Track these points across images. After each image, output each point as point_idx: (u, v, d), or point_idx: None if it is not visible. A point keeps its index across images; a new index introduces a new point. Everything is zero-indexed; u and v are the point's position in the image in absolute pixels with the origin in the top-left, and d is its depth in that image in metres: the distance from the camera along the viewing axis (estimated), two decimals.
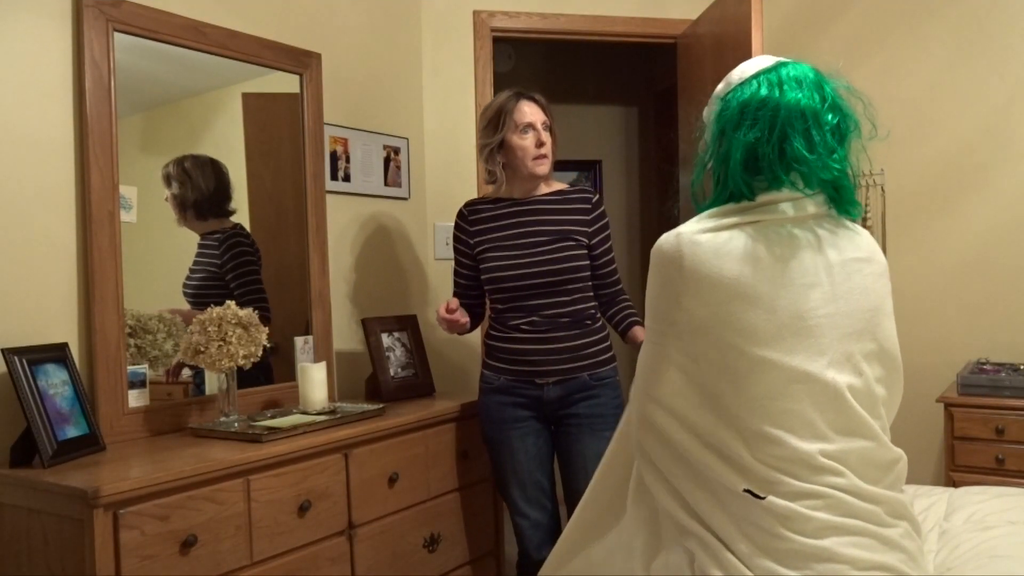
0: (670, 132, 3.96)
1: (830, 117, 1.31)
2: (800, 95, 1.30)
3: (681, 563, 1.32)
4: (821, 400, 1.25)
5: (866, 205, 3.18)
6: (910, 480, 1.40)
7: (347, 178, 2.85)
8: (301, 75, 2.62)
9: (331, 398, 2.50)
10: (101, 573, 1.62)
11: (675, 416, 1.31)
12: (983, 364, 2.96)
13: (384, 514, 2.27)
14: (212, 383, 2.30)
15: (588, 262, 2.32)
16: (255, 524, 1.91)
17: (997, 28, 3.07)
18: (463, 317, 2.35)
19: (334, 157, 2.79)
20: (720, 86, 1.42)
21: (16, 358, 1.81)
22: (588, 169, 4.96)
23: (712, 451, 1.27)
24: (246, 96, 2.51)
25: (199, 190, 2.36)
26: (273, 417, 2.29)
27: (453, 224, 2.49)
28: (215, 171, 2.40)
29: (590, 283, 2.35)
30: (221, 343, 2.09)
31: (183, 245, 2.35)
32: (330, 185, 2.75)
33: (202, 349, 2.09)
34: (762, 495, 1.24)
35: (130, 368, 2.11)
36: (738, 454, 1.25)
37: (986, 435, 2.69)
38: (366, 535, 2.20)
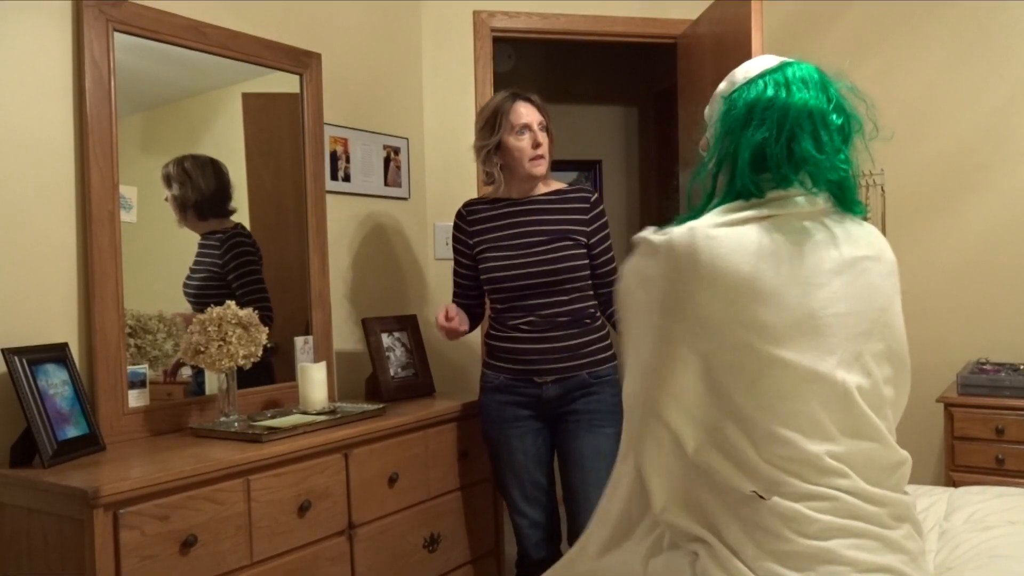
0: (672, 131, 3.97)
1: (835, 118, 1.31)
2: (807, 95, 1.30)
3: (682, 564, 1.31)
4: (830, 400, 1.25)
5: (866, 205, 3.18)
6: (910, 480, 1.39)
7: (347, 178, 2.85)
8: (301, 75, 2.62)
9: (331, 398, 2.50)
10: (101, 573, 1.62)
11: (685, 416, 1.30)
12: (983, 364, 2.96)
13: (384, 514, 2.27)
14: (212, 383, 2.30)
15: (587, 261, 2.32)
16: (255, 524, 1.91)
17: (997, 28, 3.07)
18: (462, 325, 2.35)
19: (334, 157, 2.79)
20: (723, 85, 1.41)
21: (16, 358, 1.81)
22: (588, 169, 4.96)
23: (719, 451, 1.27)
24: (246, 96, 2.51)
25: (199, 190, 2.36)
26: (273, 417, 2.29)
27: (453, 224, 2.49)
28: (215, 171, 2.40)
29: (589, 282, 2.35)
30: (221, 343, 2.09)
31: (183, 245, 2.35)
32: (330, 185, 2.75)
33: (202, 349, 2.09)
34: (767, 496, 1.24)
35: (130, 368, 2.11)
36: (744, 454, 1.25)
37: (986, 435, 2.69)
38: (366, 535, 2.20)
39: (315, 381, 2.35)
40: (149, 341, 2.20)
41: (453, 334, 2.34)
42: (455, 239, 2.45)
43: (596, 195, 2.40)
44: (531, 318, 2.30)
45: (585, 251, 2.32)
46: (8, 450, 1.83)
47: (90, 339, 2.04)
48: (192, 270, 2.35)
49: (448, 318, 2.31)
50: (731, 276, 1.22)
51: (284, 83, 2.59)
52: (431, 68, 3.23)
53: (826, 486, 1.23)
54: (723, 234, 1.24)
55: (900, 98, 3.20)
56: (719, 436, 1.27)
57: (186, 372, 2.29)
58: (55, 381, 1.88)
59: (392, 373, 2.70)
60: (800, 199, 1.30)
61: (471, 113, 3.21)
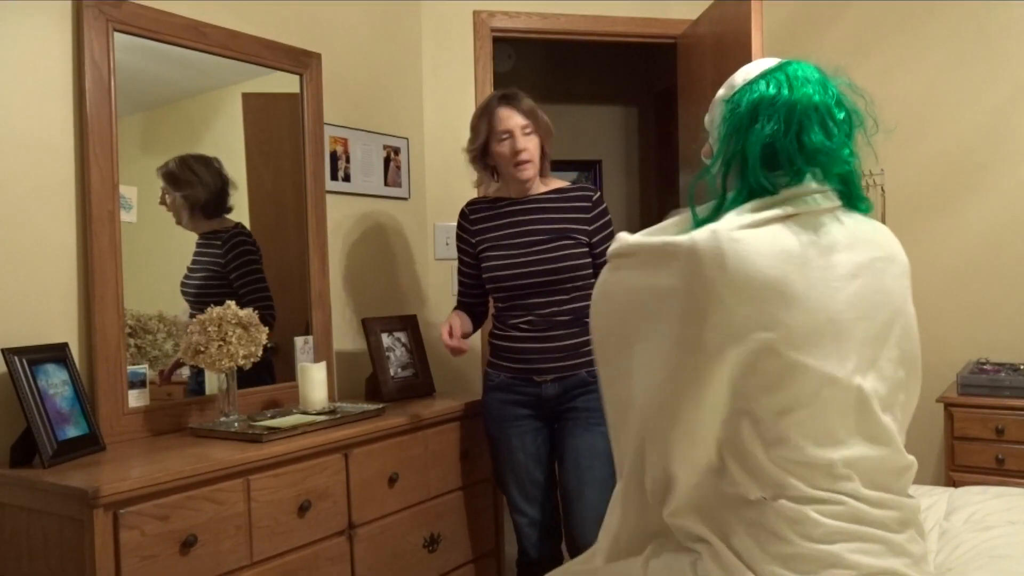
0: (672, 131, 3.96)
1: (838, 112, 1.32)
2: (810, 90, 1.30)
3: (683, 566, 1.31)
4: (845, 405, 1.24)
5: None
6: None
7: (347, 178, 2.85)
8: (301, 75, 2.62)
9: (331, 398, 2.50)
10: (101, 573, 1.62)
11: (706, 431, 1.26)
12: (983, 364, 2.96)
13: (384, 514, 2.27)
14: (212, 383, 2.30)
15: (588, 260, 2.32)
16: (255, 524, 1.91)
17: (996, 29, 3.07)
18: (465, 345, 2.34)
19: (334, 157, 2.79)
20: (722, 91, 1.41)
21: (16, 358, 1.81)
22: (588, 169, 4.96)
23: (731, 454, 1.26)
24: (246, 96, 2.51)
25: (209, 189, 2.36)
26: (273, 417, 2.29)
27: (453, 224, 2.50)
28: (217, 169, 2.40)
29: (592, 281, 2.35)
30: (221, 343, 2.09)
31: (183, 245, 2.35)
32: (330, 185, 2.75)
33: (202, 349, 2.09)
34: (773, 498, 1.23)
35: (130, 368, 2.11)
36: (755, 457, 1.23)
37: (986, 435, 2.69)
38: (366, 535, 2.20)
39: (315, 381, 2.35)
40: (149, 341, 2.20)
41: (458, 352, 2.34)
42: (458, 238, 2.46)
43: (598, 193, 2.39)
44: (530, 317, 2.30)
45: (586, 250, 2.32)
46: (8, 450, 1.83)
47: (90, 339, 2.04)
48: (190, 270, 2.35)
49: (452, 335, 2.29)
50: (758, 279, 1.19)
51: (284, 83, 2.59)
52: (431, 68, 3.23)
53: (834, 491, 1.23)
54: (747, 236, 1.22)
55: (900, 98, 3.20)
56: (733, 438, 1.26)
57: (184, 372, 2.29)
58: (55, 381, 1.88)
59: (392, 373, 2.70)
60: (817, 196, 1.29)
61: (471, 113, 3.20)
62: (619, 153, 5.03)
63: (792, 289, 1.20)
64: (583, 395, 2.30)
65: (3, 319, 1.90)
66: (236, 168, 2.47)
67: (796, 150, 1.28)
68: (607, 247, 2.33)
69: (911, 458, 1.33)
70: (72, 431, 1.88)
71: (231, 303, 2.16)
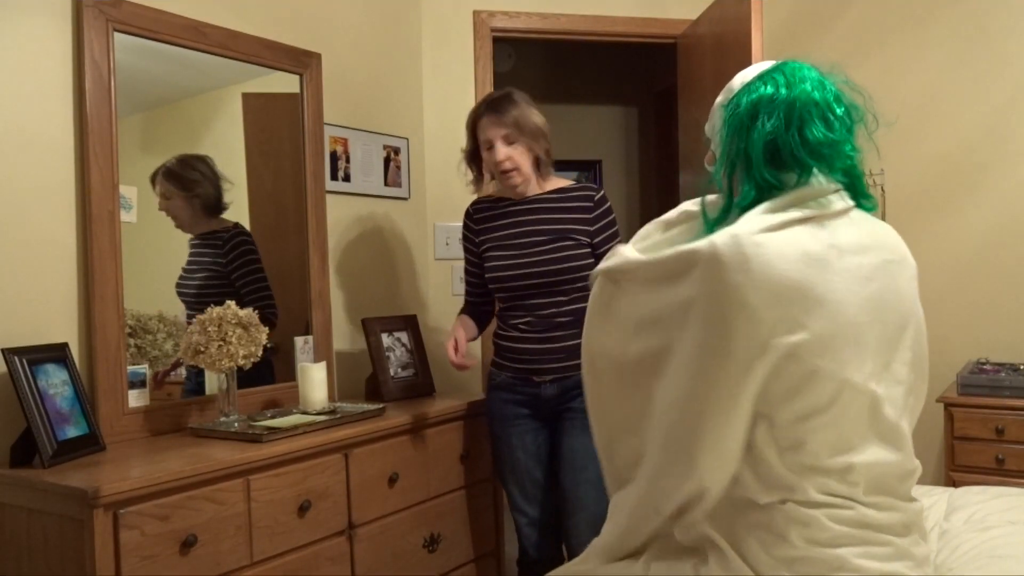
0: (672, 131, 3.96)
1: (837, 107, 1.32)
2: (808, 87, 1.31)
3: (687, 569, 1.31)
4: (860, 410, 1.23)
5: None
6: None
7: (347, 178, 2.85)
8: (301, 75, 2.62)
9: (331, 398, 2.50)
10: (101, 573, 1.62)
11: (735, 441, 1.23)
12: (983, 364, 2.96)
13: (384, 514, 2.27)
14: (212, 383, 2.30)
15: (590, 261, 2.30)
16: (255, 524, 1.91)
17: (997, 28, 3.07)
18: (470, 362, 2.35)
19: (334, 157, 2.79)
20: (720, 97, 1.41)
21: (16, 358, 1.81)
22: (588, 169, 4.96)
23: (744, 459, 1.25)
24: (246, 96, 2.51)
25: (213, 186, 2.36)
26: (273, 417, 2.29)
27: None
28: (212, 166, 2.39)
29: None
30: (221, 343, 2.09)
31: (184, 245, 2.35)
32: (330, 185, 2.75)
33: (202, 349, 2.09)
34: (781, 502, 1.23)
35: (130, 368, 2.11)
36: (767, 461, 1.22)
37: (986, 435, 2.69)
38: (366, 535, 2.20)
39: (315, 381, 2.35)
40: (149, 341, 2.20)
41: (462, 368, 2.35)
42: (463, 238, 2.47)
43: (601, 193, 2.37)
44: (529, 318, 2.30)
45: (588, 251, 2.31)
46: (8, 450, 1.83)
47: (90, 339, 2.04)
48: (187, 271, 2.34)
49: (457, 350, 2.30)
50: (783, 282, 1.18)
51: (284, 83, 2.59)
52: (431, 68, 3.23)
53: (842, 496, 1.23)
54: (768, 239, 1.20)
55: (900, 98, 3.20)
56: (747, 442, 1.24)
57: (182, 371, 2.28)
58: (55, 381, 1.88)
59: (392, 373, 2.70)
60: (832, 197, 1.29)
61: None
62: (619, 153, 5.03)
63: (815, 292, 1.19)
64: (581, 396, 2.29)
65: (3, 319, 1.90)
66: (236, 168, 2.47)
67: (799, 144, 1.28)
68: (611, 247, 2.32)
69: (916, 462, 1.32)
70: (72, 431, 1.88)
71: (231, 303, 2.16)
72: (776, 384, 1.20)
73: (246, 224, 2.48)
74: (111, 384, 2.06)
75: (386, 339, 2.73)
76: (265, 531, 1.93)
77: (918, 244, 3.31)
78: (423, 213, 3.20)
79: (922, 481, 2.88)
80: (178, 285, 2.33)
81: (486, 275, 2.36)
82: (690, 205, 1.49)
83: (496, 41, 3.35)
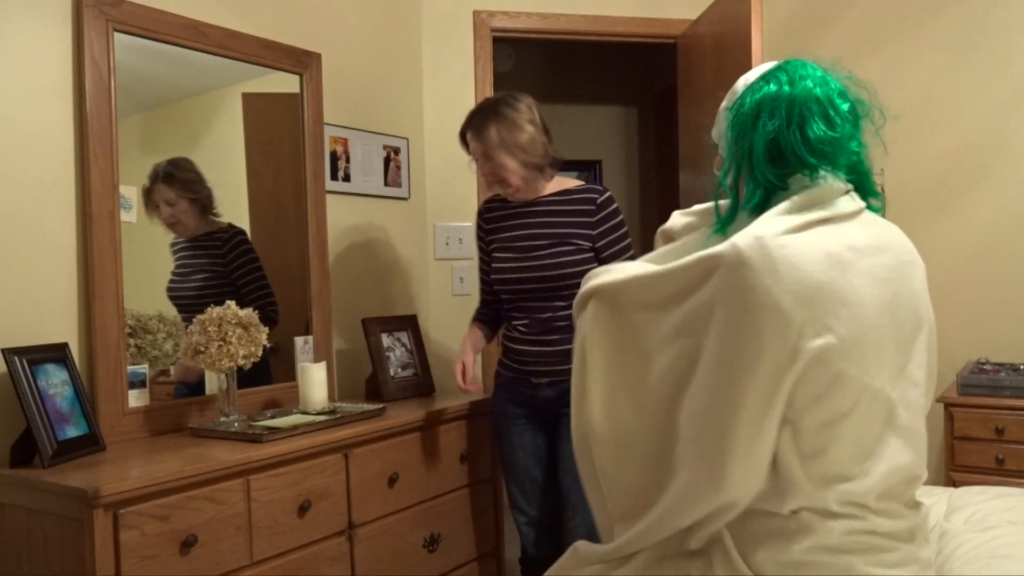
0: (672, 131, 3.96)
1: (841, 103, 1.31)
2: (810, 83, 1.30)
3: (690, 567, 1.30)
4: (877, 415, 1.22)
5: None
6: None
7: (347, 178, 2.85)
8: (301, 75, 2.62)
9: (331, 398, 2.50)
10: (101, 573, 1.62)
11: (767, 447, 1.18)
12: (983, 364, 2.96)
13: (384, 514, 2.27)
14: (212, 383, 2.29)
15: (591, 266, 2.26)
16: (255, 524, 1.91)
17: (997, 28, 3.07)
18: (476, 387, 2.37)
19: (334, 157, 2.79)
20: (725, 101, 1.41)
21: (16, 358, 1.81)
22: (588, 169, 4.96)
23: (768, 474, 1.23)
24: (246, 96, 2.51)
25: (207, 186, 2.35)
26: (273, 417, 2.29)
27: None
28: (196, 166, 2.35)
29: None
30: (221, 343, 2.09)
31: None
32: (330, 185, 2.75)
33: (202, 349, 2.09)
34: (796, 510, 1.22)
35: (130, 368, 2.11)
36: (789, 468, 1.19)
37: (986, 435, 2.69)
38: (366, 535, 2.20)
39: (315, 381, 2.35)
40: (149, 341, 2.20)
41: (472, 391, 2.37)
42: (477, 237, 2.48)
43: (605, 195, 2.31)
44: (527, 320, 2.30)
45: (590, 255, 2.27)
46: (8, 450, 1.83)
47: (90, 339, 2.04)
48: (180, 275, 2.31)
49: (464, 376, 2.32)
50: (811, 284, 1.15)
51: (284, 83, 2.59)
52: (431, 68, 3.23)
53: (854, 503, 1.22)
54: (792, 241, 1.18)
55: (900, 98, 3.20)
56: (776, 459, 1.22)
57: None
58: (55, 381, 1.88)
59: (392, 373, 2.70)
60: (842, 199, 1.28)
61: None
62: (619, 153, 5.03)
63: (840, 295, 1.17)
64: None
65: (3, 319, 1.90)
66: (236, 168, 2.47)
67: (800, 142, 1.26)
68: (618, 250, 2.29)
69: (925, 468, 1.31)
70: (72, 431, 1.88)
71: (231, 303, 2.16)
72: (802, 390, 1.17)
73: (245, 224, 2.48)
74: (111, 384, 2.06)
75: (386, 339, 2.73)
76: (265, 531, 1.93)
77: (918, 244, 3.30)
78: (423, 213, 3.20)
79: None
80: (171, 290, 2.29)
81: (491, 276, 2.37)
82: (701, 210, 1.47)
83: (496, 41, 3.35)
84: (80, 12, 2.03)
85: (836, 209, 1.26)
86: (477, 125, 2.25)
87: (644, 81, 4.96)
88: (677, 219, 1.56)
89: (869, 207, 1.35)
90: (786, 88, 1.30)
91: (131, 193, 2.15)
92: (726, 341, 1.17)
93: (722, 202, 1.40)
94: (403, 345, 2.79)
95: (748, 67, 2.85)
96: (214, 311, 2.12)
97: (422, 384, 2.78)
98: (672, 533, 1.28)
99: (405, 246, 3.11)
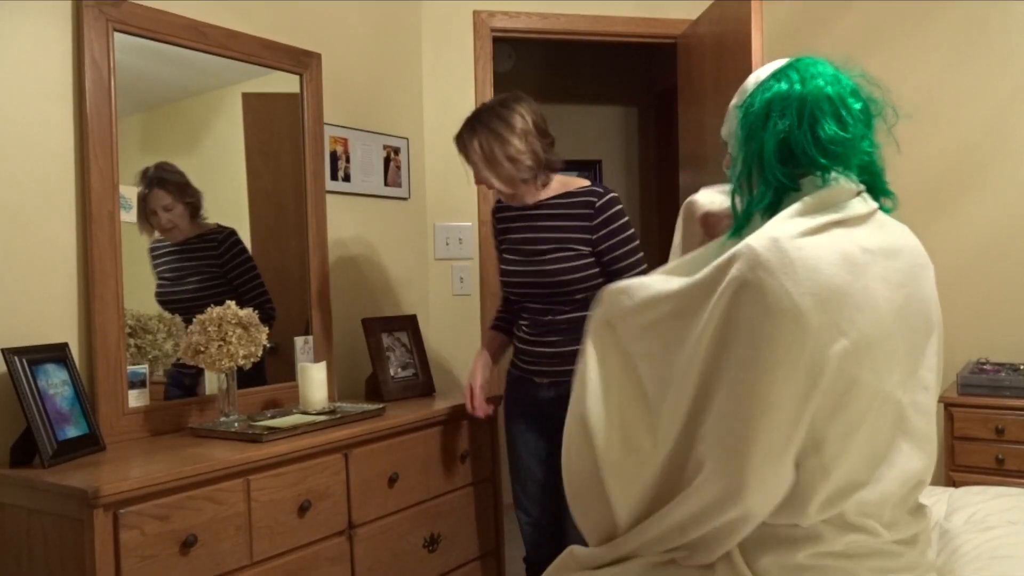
0: (672, 131, 3.95)
1: (854, 102, 1.29)
2: (822, 83, 1.28)
3: (692, 573, 1.30)
4: (889, 420, 1.21)
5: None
6: None
7: (347, 178, 2.85)
8: (301, 75, 2.62)
9: (331, 398, 2.50)
10: (101, 573, 1.62)
11: (789, 455, 1.16)
12: (983, 364, 2.96)
13: (384, 514, 2.27)
14: (212, 383, 2.30)
15: (592, 271, 2.23)
16: (255, 524, 1.91)
17: (997, 28, 3.07)
18: (487, 411, 2.39)
19: (334, 157, 2.79)
20: (735, 99, 1.39)
21: (16, 358, 1.81)
22: (588, 169, 4.96)
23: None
24: (246, 96, 2.51)
25: (198, 190, 2.35)
26: (273, 417, 2.29)
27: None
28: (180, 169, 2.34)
29: (594, 290, 2.28)
30: (221, 343, 2.09)
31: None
32: (330, 185, 2.75)
33: (202, 349, 2.09)
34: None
35: (130, 368, 2.11)
36: (811, 481, 1.17)
37: (986, 435, 2.69)
38: (366, 535, 2.20)
39: (315, 381, 2.35)
40: (149, 341, 2.20)
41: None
42: (493, 235, 2.47)
43: (605, 198, 2.24)
44: (530, 321, 2.30)
45: (590, 260, 2.24)
46: (8, 450, 1.83)
47: (90, 339, 2.04)
48: (171, 279, 2.29)
49: (474, 402, 2.33)
50: (828, 287, 1.13)
51: (284, 83, 2.59)
52: (431, 68, 3.23)
53: (862, 513, 1.21)
54: (808, 243, 1.16)
55: (900, 98, 3.19)
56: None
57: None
58: (55, 381, 1.88)
59: (392, 373, 2.70)
60: (856, 200, 1.26)
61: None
62: (619, 153, 5.03)
63: (856, 299, 1.16)
64: None
65: (3, 319, 1.90)
66: (236, 168, 2.47)
67: (811, 143, 1.25)
68: (621, 254, 2.24)
69: (930, 474, 1.31)
70: (72, 431, 1.88)
71: (231, 303, 2.16)
72: (823, 401, 1.15)
73: (245, 224, 2.48)
74: (111, 384, 2.06)
75: (386, 339, 2.73)
76: (265, 531, 1.93)
77: None
78: (423, 213, 3.20)
79: None
80: (163, 295, 2.26)
81: (500, 277, 2.39)
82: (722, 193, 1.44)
83: (496, 41, 3.35)
84: (80, 12, 2.03)
85: (849, 211, 1.24)
86: (463, 137, 2.23)
87: (644, 81, 4.96)
88: (711, 196, 1.52)
89: (881, 208, 1.34)
90: (797, 87, 1.28)
91: (131, 193, 2.15)
92: (743, 348, 1.14)
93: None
94: (403, 345, 2.79)
95: (748, 67, 2.86)
96: (214, 311, 2.12)
97: (422, 384, 2.78)
98: (677, 542, 1.26)
99: (405, 246, 3.11)
